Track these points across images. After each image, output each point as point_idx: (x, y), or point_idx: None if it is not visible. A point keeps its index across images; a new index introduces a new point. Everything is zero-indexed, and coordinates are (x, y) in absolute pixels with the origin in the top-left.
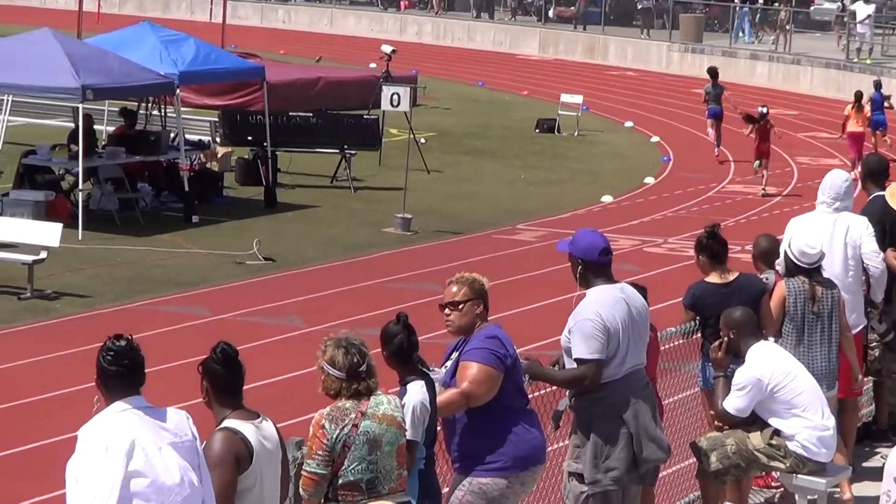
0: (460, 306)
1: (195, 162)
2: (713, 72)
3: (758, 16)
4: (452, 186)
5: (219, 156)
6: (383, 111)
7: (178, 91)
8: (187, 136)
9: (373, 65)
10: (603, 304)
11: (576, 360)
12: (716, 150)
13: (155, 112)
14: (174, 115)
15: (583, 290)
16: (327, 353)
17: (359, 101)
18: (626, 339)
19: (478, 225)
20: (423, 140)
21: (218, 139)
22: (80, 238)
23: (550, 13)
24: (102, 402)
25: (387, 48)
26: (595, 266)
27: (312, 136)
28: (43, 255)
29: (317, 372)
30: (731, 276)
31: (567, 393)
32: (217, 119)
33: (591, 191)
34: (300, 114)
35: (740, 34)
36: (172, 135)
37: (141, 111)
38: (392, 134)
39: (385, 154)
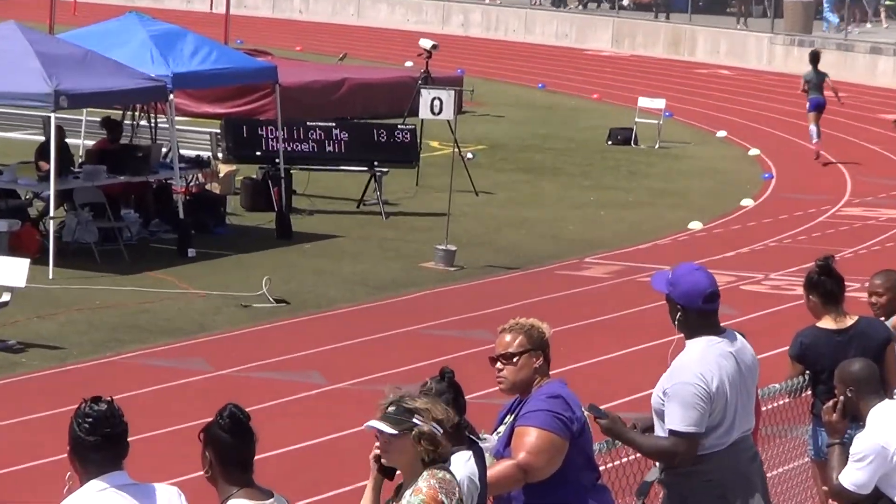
0: (515, 359)
1: (192, 183)
2: (815, 56)
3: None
4: (506, 211)
5: (221, 175)
6: (422, 120)
7: (171, 97)
8: (183, 152)
9: (409, 63)
10: (707, 362)
11: (669, 431)
12: (814, 140)
13: (143, 123)
14: (167, 126)
15: (681, 337)
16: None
17: (392, 107)
18: (734, 404)
19: (537, 258)
20: (470, 155)
21: (220, 155)
22: (51, 277)
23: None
24: (76, 479)
25: (426, 43)
26: (699, 314)
27: (335, 151)
28: (6, 297)
29: (406, 443)
30: (849, 321)
31: (657, 462)
32: (219, 130)
33: (675, 216)
34: (320, 124)
35: (827, 23)
36: (165, 150)
37: (126, 121)
38: (432, 148)
39: (424, 172)
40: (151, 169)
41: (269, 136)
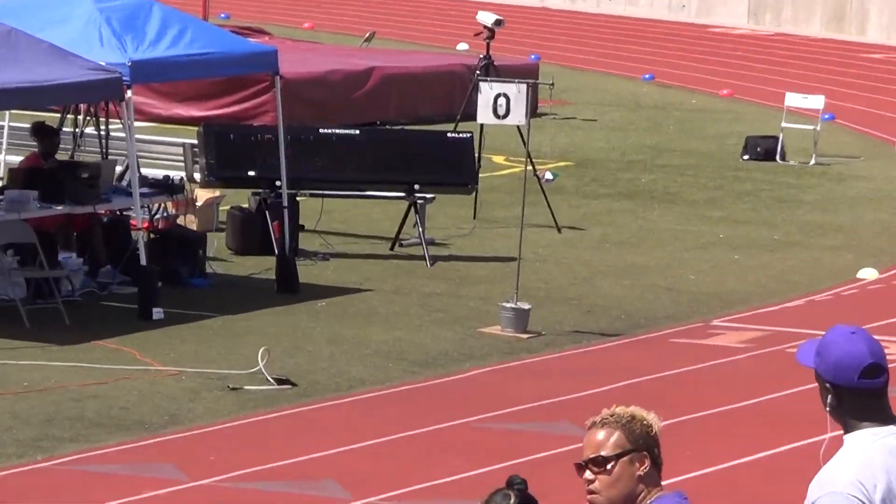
0: (610, 465)
1: (159, 216)
2: None
3: None
4: (600, 254)
5: (199, 204)
6: (481, 126)
7: (129, 94)
8: (145, 172)
9: (463, 46)
10: (869, 465)
11: None
12: None
13: (91, 130)
14: (123, 136)
15: (837, 430)
16: None
17: (438, 108)
18: None
19: (645, 320)
20: (549, 176)
21: (197, 176)
22: None
23: None
24: None
25: (487, 17)
26: (855, 394)
27: (360, 170)
28: None
29: None
30: None
31: None
32: (196, 141)
33: (839, 260)
34: (338, 131)
35: None
36: (120, 169)
37: (66, 129)
38: (496, 165)
39: (484, 200)
40: (101, 196)
41: (267, 148)
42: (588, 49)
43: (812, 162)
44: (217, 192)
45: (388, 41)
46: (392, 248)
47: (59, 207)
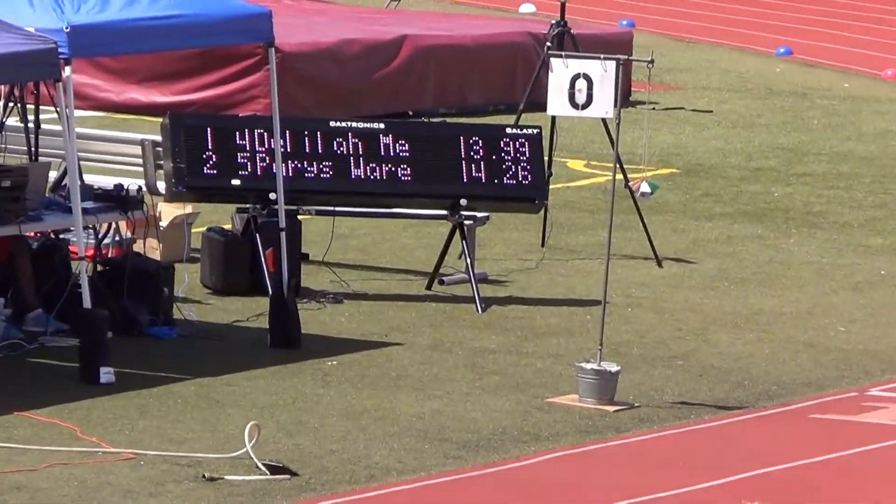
0: None
1: (108, 240)
2: None
3: None
4: (716, 296)
5: (163, 224)
6: (553, 119)
7: (67, 72)
8: (90, 179)
9: (528, 7)
10: None
11: None
12: None
13: (13, 122)
14: (59, 130)
15: None
16: None
17: (493, 93)
18: None
19: (775, 388)
20: (645, 189)
21: (161, 185)
22: None
23: None
24: None
25: None
26: None
27: (383, 179)
28: None
29: None
30: None
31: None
32: (160, 138)
33: None
34: (355, 124)
35: None
36: (55, 175)
37: None
38: (574, 172)
39: (557, 220)
40: (28, 212)
41: (257, 148)
42: (700, 13)
43: None
44: (188, 209)
45: (426, 1)
46: (429, 287)
47: None
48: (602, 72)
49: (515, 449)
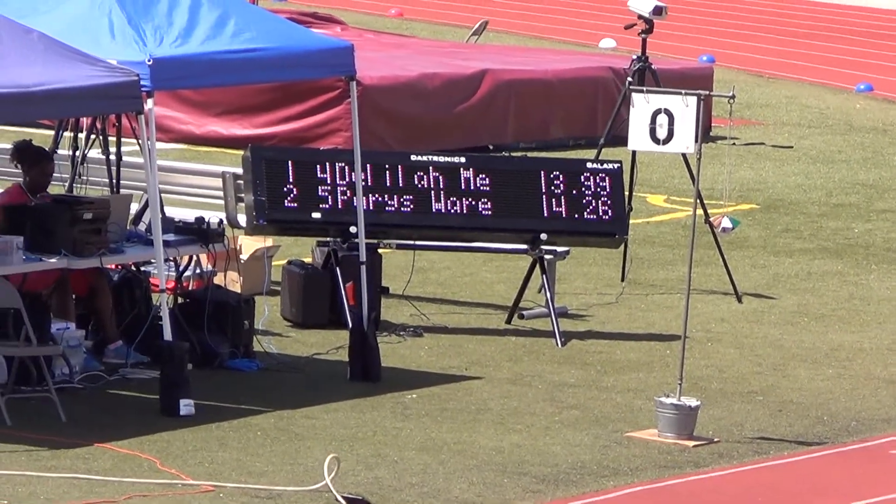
0: None
1: (189, 273)
2: None
3: None
4: (797, 333)
5: (244, 257)
6: (633, 154)
7: (149, 104)
8: (170, 212)
9: (609, 42)
10: None
11: None
12: None
13: (96, 153)
14: (141, 163)
15: None
16: None
17: (574, 127)
18: None
19: (855, 424)
20: (726, 224)
21: (242, 218)
22: None
23: None
24: None
25: (643, 2)
26: None
27: (465, 212)
28: None
29: None
30: None
31: None
32: (241, 170)
33: None
34: (436, 159)
35: None
36: (136, 207)
37: (62, 151)
38: (654, 207)
39: (637, 255)
40: (109, 245)
41: (338, 181)
42: (780, 49)
43: None
44: (269, 242)
45: (506, 35)
46: (509, 321)
47: (53, 260)
48: (683, 107)
49: (594, 483)
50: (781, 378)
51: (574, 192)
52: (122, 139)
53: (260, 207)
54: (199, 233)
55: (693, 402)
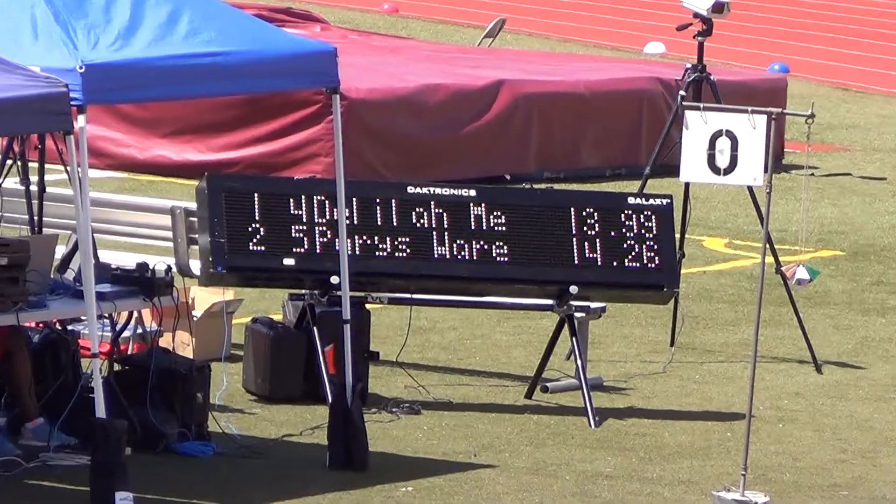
0: None
1: (129, 333)
2: None
3: None
4: (892, 411)
5: (197, 314)
6: (687, 186)
7: (80, 122)
8: (105, 256)
9: (657, 47)
10: None
11: None
12: None
13: (13, 182)
14: (69, 195)
15: None
16: None
17: (612, 152)
18: None
19: None
20: (802, 275)
21: (195, 265)
22: None
23: None
24: None
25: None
26: None
27: (474, 259)
28: None
29: None
30: None
31: None
32: (195, 205)
33: None
34: (439, 191)
35: None
36: (64, 250)
37: None
38: (712, 253)
39: (691, 313)
40: (29, 298)
41: (316, 219)
42: (871, 56)
43: None
44: (229, 294)
45: (527, 37)
46: (530, 396)
47: None
48: (749, 128)
49: None
50: (871, 468)
51: (612, 234)
52: (46, 166)
53: (218, 252)
54: (141, 283)
55: (760, 499)
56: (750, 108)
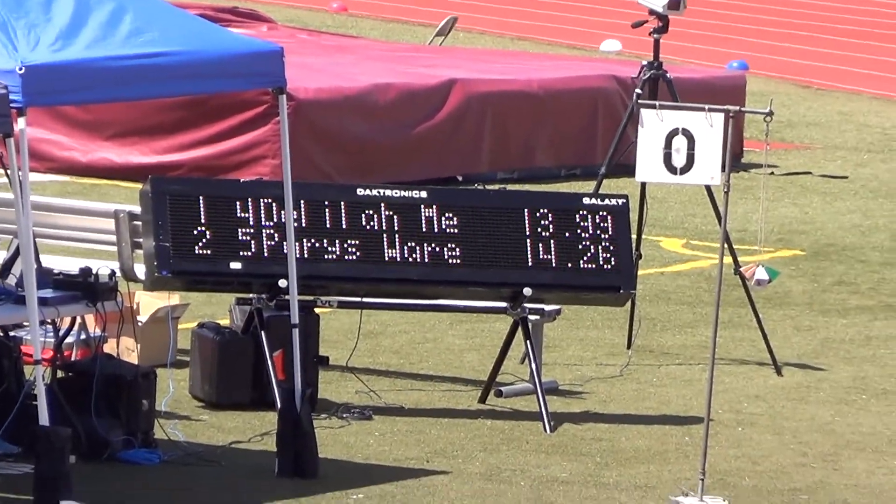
0: None
1: (72, 338)
2: None
3: None
4: (853, 413)
5: (142, 319)
6: (643, 186)
7: (20, 124)
8: (48, 261)
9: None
10: None
11: None
12: None
13: None
14: (10, 199)
15: None
16: None
17: (566, 152)
18: None
19: None
20: (761, 276)
21: (139, 269)
22: None
23: None
24: None
25: None
26: None
27: (425, 261)
28: None
29: None
30: None
31: None
32: (139, 209)
33: None
34: (389, 192)
35: None
36: (4, 255)
37: None
38: (669, 254)
39: (648, 315)
40: None
41: (263, 222)
42: (832, 53)
43: None
44: (175, 299)
45: (480, 35)
46: (484, 400)
47: None
48: (706, 127)
49: None
50: (832, 472)
51: (567, 234)
52: None
53: (163, 255)
54: (84, 288)
55: (719, 503)
56: (707, 106)
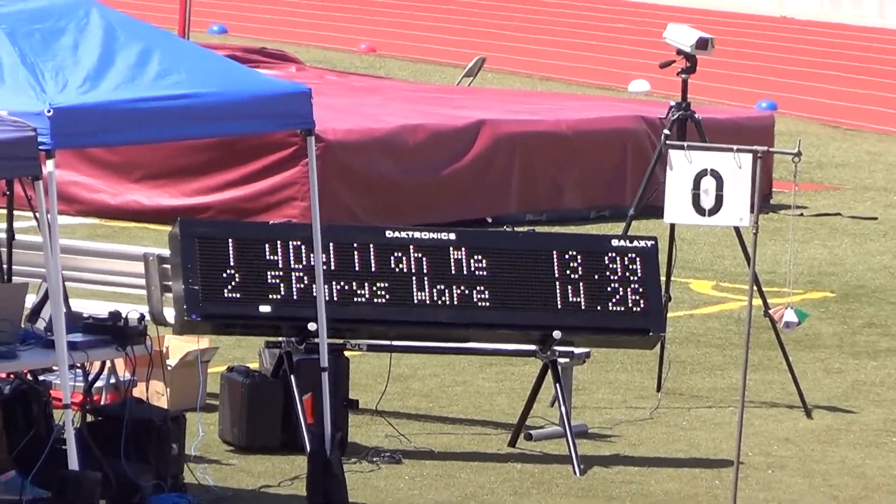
0: None
1: (102, 383)
2: None
3: None
4: (884, 457)
5: (171, 363)
6: (672, 227)
7: (49, 167)
8: (77, 305)
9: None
10: None
11: None
12: None
13: None
14: (39, 242)
15: None
16: None
17: (595, 193)
18: None
19: None
20: (789, 317)
21: (169, 313)
22: None
23: None
24: None
25: (684, 34)
26: None
27: (454, 304)
28: None
29: None
30: None
31: None
32: (168, 252)
33: None
34: (417, 234)
35: None
36: (34, 299)
37: None
38: (698, 296)
39: (678, 358)
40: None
41: (292, 265)
42: (862, 93)
43: None
44: (204, 342)
45: (508, 76)
46: (514, 444)
47: None
48: (735, 167)
49: None
50: None
51: (596, 277)
52: (15, 212)
53: (192, 299)
54: (114, 332)
55: None
56: (735, 147)
